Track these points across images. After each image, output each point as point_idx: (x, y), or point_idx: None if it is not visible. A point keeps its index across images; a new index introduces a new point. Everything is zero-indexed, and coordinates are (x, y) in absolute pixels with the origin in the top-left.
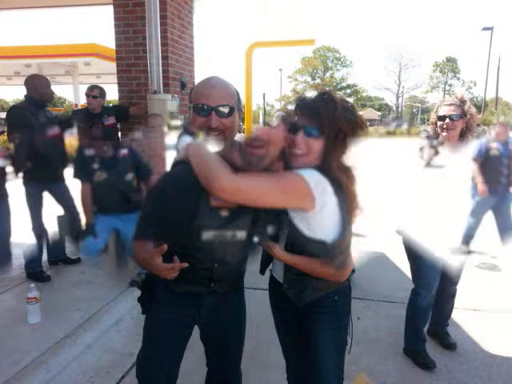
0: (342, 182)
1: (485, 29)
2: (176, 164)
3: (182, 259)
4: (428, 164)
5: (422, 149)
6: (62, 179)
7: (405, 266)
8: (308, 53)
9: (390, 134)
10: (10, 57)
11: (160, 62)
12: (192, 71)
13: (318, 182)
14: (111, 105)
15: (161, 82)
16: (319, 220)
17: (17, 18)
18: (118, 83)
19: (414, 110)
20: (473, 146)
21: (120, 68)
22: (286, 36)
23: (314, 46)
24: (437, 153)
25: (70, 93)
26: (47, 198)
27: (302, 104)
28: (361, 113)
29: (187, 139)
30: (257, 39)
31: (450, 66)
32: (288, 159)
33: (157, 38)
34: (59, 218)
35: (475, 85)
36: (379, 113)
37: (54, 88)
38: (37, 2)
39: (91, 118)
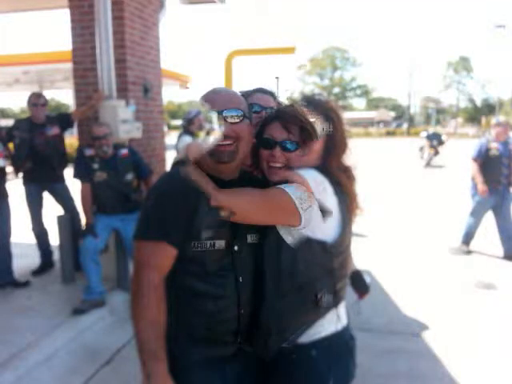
0: (341, 182)
1: (498, 26)
2: (175, 164)
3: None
4: (428, 164)
5: (422, 149)
6: (61, 179)
7: (395, 288)
8: (317, 53)
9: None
10: (9, 64)
11: (112, 65)
12: (158, 74)
13: (304, 199)
14: (54, 114)
15: (113, 86)
16: (319, 221)
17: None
18: (75, 89)
19: (430, 111)
20: (473, 146)
21: (76, 73)
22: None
23: (293, 53)
24: (437, 153)
25: (69, 98)
26: (47, 198)
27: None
28: (374, 113)
29: (187, 139)
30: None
31: (463, 64)
32: (267, 174)
33: (108, 39)
34: (59, 218)
35: (490, 83)
36: (392, 113)
37: (54, 93)
38: None
39: (34, 128)
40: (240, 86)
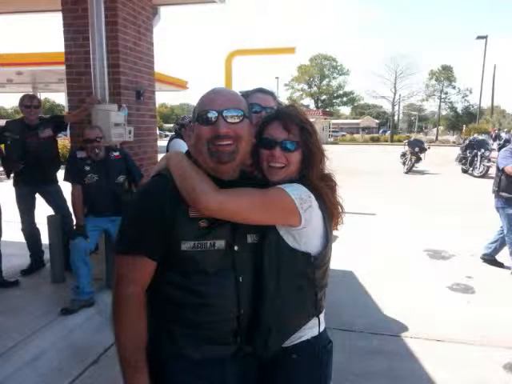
0: (323, 196)
1: (479, 37)
2: (154, 176)
3: (198, 310)
4: (410, 170)
5: (404, 155)
6: (54, 181)
7: (375, 289)
8: (305, 61)
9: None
10: (2, 64)
11: (106, 70)
12: (151, 79)
13: (304, 199)
14: (47, 116)
15: (106, 91)
16: (304, 234)
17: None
18: (68, 92)
19: (412, 118)
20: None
21: (70, 76)
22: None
23: (294, 53)
24: (418, 159)
25: (62, 100)
26: (38, 199)
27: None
28: (358, 120)
29: (179, 142)
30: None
31: (445, 74)
32: (267, 174)
33: (101, 44)
34: (50, 218)
35: (471, 92)
36: (377, 120)
37: (48, 95)
38: None
39: (27, 129)
40: (240, 86)
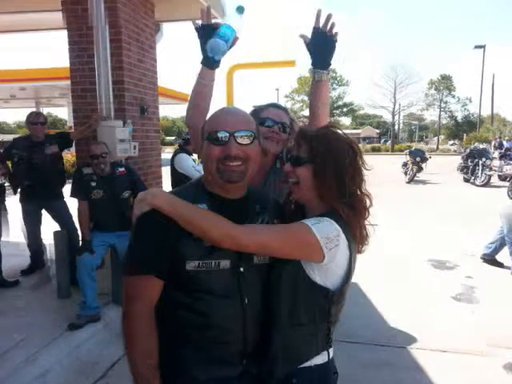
0: (342, 213)
1: (477, 47)
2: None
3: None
4: (411, 179)
5: (405, 165)
6: (60, 196)
7: (380, 301)
8: (304, 72)
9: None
10: (5, 80)
11: (110, 87)
12: (155, 95)
13: (331, 238)
14: (53, 133)
15: (111, 107)
16: (326, 269)
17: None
18: (73, 109)
19: (413, 128)
20: None
21: (75, 93)
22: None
23: (294, 67)
24: (420, 169)
25: (64, 115)
26: (45, 214)
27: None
28: (359, 131)
29: (183, 157)
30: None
31: (444, 83)
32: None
33: (106, 61)
34: (56, 233)
35: (471, 101)
36: (378, 130)
37: (50, 110)
38: None
39: (33, 146)
40: (241, 98)
